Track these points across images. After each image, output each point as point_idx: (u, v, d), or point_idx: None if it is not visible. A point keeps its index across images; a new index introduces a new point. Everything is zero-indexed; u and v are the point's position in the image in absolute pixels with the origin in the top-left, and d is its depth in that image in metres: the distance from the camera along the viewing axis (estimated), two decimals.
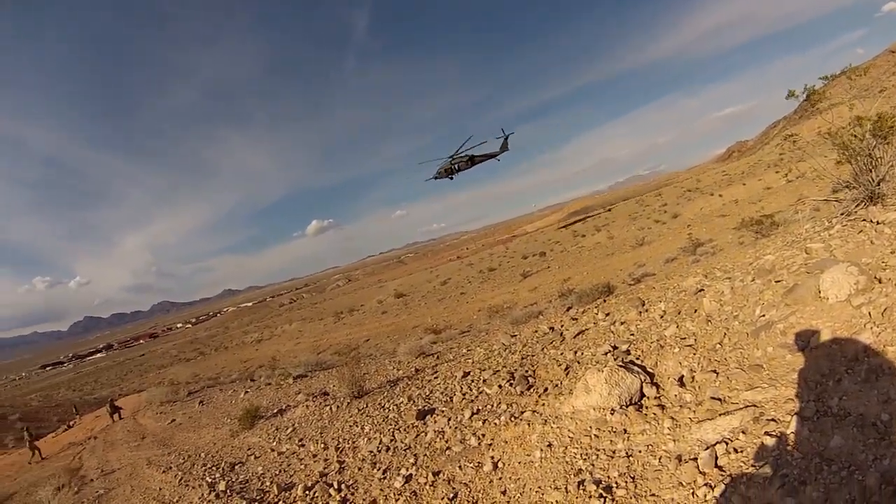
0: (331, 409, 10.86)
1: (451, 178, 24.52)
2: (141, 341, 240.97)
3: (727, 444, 3.99)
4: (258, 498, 7.59)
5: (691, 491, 3.85)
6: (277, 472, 8.47)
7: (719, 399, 4.53)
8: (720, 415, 4.33)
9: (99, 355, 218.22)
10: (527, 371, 7.63)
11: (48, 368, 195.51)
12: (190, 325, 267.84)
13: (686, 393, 4.96)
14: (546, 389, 6.74)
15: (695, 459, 4.09)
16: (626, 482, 4.38)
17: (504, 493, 5.16)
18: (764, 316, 5.03)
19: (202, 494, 8.54)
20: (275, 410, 12.86)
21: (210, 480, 9.20)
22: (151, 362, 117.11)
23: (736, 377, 4.62)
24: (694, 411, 4.65)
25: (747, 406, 4.20)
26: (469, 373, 9.07)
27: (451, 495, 5.54)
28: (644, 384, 5.37)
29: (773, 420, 3.86)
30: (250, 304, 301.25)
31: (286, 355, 46.33)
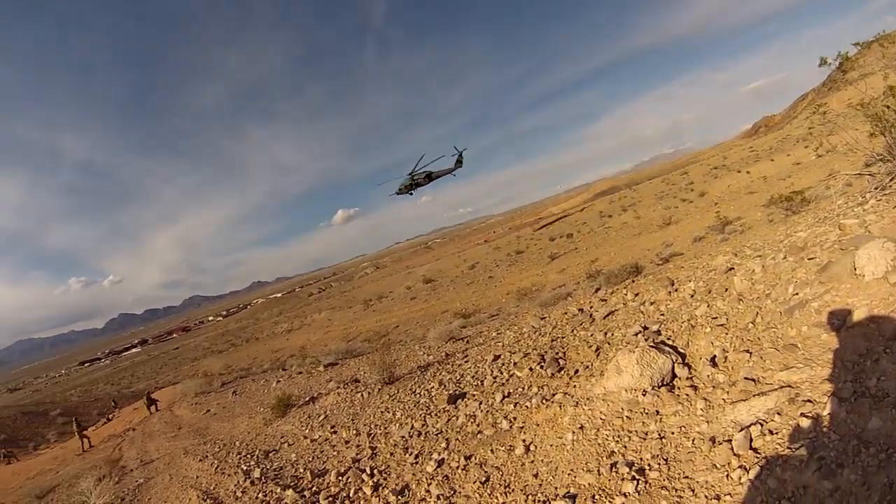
0: (362, 395, 11.08)
1: (411, 194, 25.77)
2: (174, 335, 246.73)
3: (762, 425, 3.97)
4: (292, 484, 7.85)
5: (725, 473, 3.86)
6: (310, 459, 8.73)
7: (753, 380, 4.50)
8: (754, 396, 4.30)
9: (134, 350, 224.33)
10: (557, 353, 7.67)
11: (86, 365, 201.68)
12: (221, 318, 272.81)
13: (719, 373, 4.94)
14: (577, 371, 6.77)
15: (729, 441, 4.08)
16: (658, 464, 4.41)
17: (536, 476, 5.24)
18: (797, 294, 4.96)
19: (238, 482, 8.88)
20: (306, 398, 13.15)
21: (245, 468, 9.55)
22: (185, 355, 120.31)
23: (770, 357, 4.58)
24: (727, 392, 4.64)
25: (782, 387, 4.17)
26: (499, 356, 9.15)
27: (483, 479, 5.64)
28: (676, 365, 5.37)
29: (809, 401, 3.82)
30: (279, 294, 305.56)
31: (316, 344, 47.07)
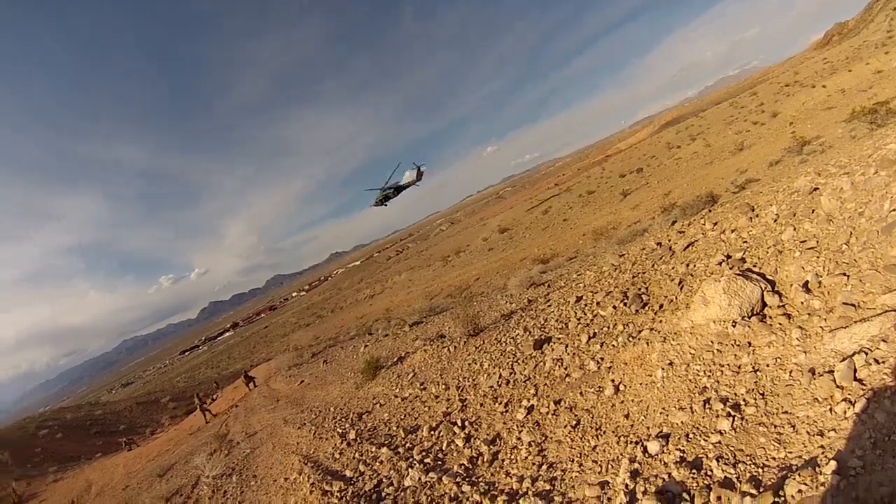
0: (448, 350, 11.42)
1: (385, 205, 29.50)
2: (262, 315, 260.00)
3: (866, 354, 3.80)
4: (386, 442, 8.33)
5: (828, 407, 3.75)
6: (402, 417, 9.18)
7: (853, 305, 4.28)
8: (856, 322, 4.10)
9: (228, 334, 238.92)
10: (639, 289, 7.55)
11: (186, 353, 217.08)
12: (304, 293, 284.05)
13: (814, 299, 4.73)
14: (661, 306, 6.67)
15: (830, 372, 3.94)
16: (754, 399, 4.34)
17: (627, 416, 5.28)
18: (895, 210, 4.62)
19: (335, 444, 9.53)
20: (394, 359, 13.70)
21: (341, 431, 10.21)
22: (275, 332, 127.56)
23: (870, 280, 4.34)
24: (825, 319, 4.45)
25: (886, 311, 3.95)
26: (581, 297, 9.12)
27: (574, 422, 5.75)
28: (765, 293, 5.18)
29: None
30: (358, 262, 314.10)
31: (400, 305, 48.41)
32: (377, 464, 7.70)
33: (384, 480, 7.05)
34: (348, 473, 7.95)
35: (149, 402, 58.38)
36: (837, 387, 3.79)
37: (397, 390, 10.94)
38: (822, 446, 3.56)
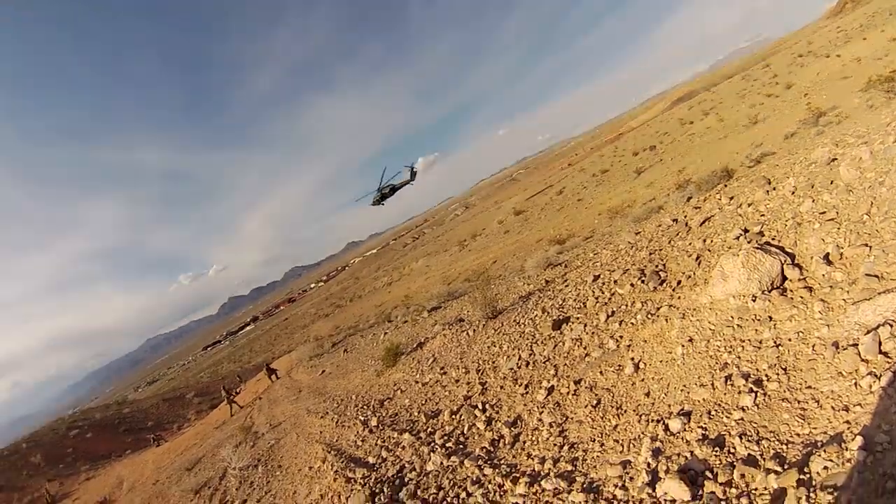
0: (467, 333, 11.47)
1: (382, 205, 29.94)
2: (281, 308, 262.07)
3: (891, 326, 3.75)
4: (408, 428, 8.42)
5: (853, 381, 3.70)
6: (423, 402, 9.26)
7: (876, 276, 4.22)
8: (880, 294, 4.04)
9: (248, 328, 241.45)
10: (657, 266, 7.51)
11: (209, 349, 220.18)
12: (323, 283, 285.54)
13: (835, 271, 4.67)
14: (679, 282, 6.63)
15: (854, 345, 3.89)
16: (777, 374, 4.30)
17: (648, 394, 5.28)
18: None
19: (357, 431, 9.66)
20: (414, 345, 13.80)
21: (363, 418, 10.33)
22: (295, 324, 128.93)
23: (893, 250, 4.28)
24: (847, 291, 4.39)
25: None
26: (599, 276, 9.09)
27: (594, 402, 5.76)
28: (785, 266, 5.12)
29: None
30: (375, 251, 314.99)
31: (418, 291, 48.61)
32: (399, 449, 7.79)
33: (406, 466, 7.13)
34: (371, 460, 8.05)
35: (174, 398, 59.64)
36: (862, 360, 3.74)
37: (418, 376, 11.03)
38: (847, 422, 3.51)
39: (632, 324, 6.60)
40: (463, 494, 5.64)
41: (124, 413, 53.89)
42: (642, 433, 4.80)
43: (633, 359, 5.93)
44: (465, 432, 7.13)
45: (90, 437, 44.33)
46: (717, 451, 4.05)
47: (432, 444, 7.27)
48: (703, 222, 7.78)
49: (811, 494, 3.21)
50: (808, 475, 3.35)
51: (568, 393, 6.29)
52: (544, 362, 7.52)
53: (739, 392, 4.39)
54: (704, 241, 7.09)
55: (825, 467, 3.29)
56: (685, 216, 8.83)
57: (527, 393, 7.05)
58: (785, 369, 4.27)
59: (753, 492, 3.56)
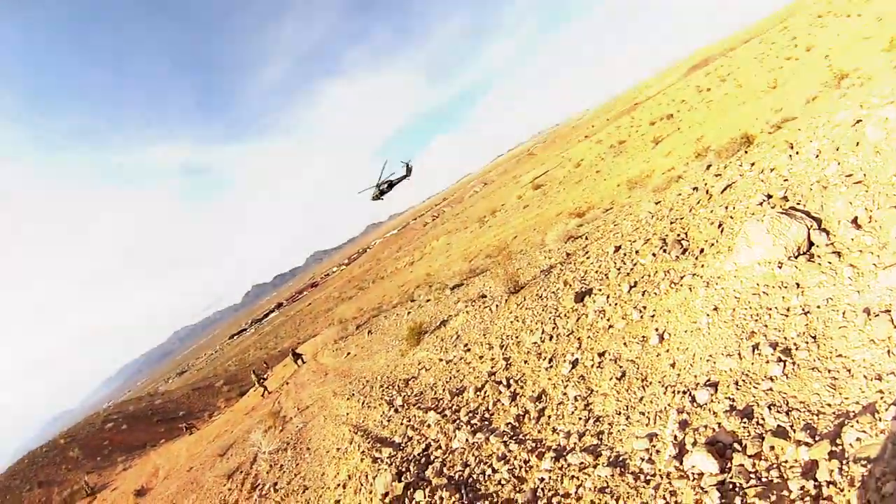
0: (490, 309, 11.50)
1: (382, 199, 31.45)
2: (305, 293, 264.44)
3: None
4: (433, 406, 8.49)
5: (886, 349, 3.60)
6: (448, 380, 9.32)
7: None
8: None
9: (273, 315, 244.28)
10: (678, 235, 7.38)
11: (235, 337, 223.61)
12: (344, 266, 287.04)
13: (865, 235, 4.53)
14: (702, 250, 6.51)
15: (887, 312, 3.78)
16: (806, 343, 4.20)
17: (673, 365, 5.21)
18: None
19: (383, 412, 9.77)
20: (437, 323, 13.92)
21: (388, 398, 10.46)
22: (319, 308, 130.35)
23: None
24: (878, 256, 4.26)
25: None
26: (620, 247, 8.98)
27: (619, 374, 5.71)
28: (811, 231, 4.97)
29: None
30: (395, 231, 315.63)
31: (440, 270, 48.79)
32: (425, 428, 7.86)
33: (432, 444, 7.19)
34: (397, 439, 8.15)
35: (204, 387, 61.20)
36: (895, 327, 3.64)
37: (441, 354, 11.10)
38: (880, 391, 3.42)
39: (655, 294, 6.51)
40: (489, 471, 5.66)
41: (156, 404, 55.55)
42: (668, 405, 4.75)
43: (657, 329, 5.86)
44: (489, 409, 7.15)
45: (125, 429, 45.88)
46: (745, 423, 3.98)
47: (457, 422, 7.31)
48: (725, 189, 7.62)
49: (844, 467, 3.14)
50: (840, 447, 3.27)
51: (592, 366, 6.25)
52: (567, 335, 7.48)
53: (767, 361, 4.31)
54: (727, 207, 6.94)
55: (858, 438, 3.20)
56: (706, 184, 8.66)
57: (551, 367, 7.02)
58: (814, 337, 4.16)
59: (784, 464, 3.49)
